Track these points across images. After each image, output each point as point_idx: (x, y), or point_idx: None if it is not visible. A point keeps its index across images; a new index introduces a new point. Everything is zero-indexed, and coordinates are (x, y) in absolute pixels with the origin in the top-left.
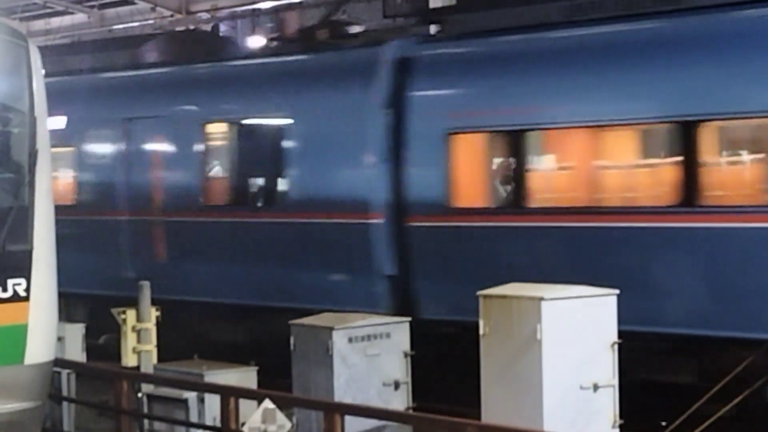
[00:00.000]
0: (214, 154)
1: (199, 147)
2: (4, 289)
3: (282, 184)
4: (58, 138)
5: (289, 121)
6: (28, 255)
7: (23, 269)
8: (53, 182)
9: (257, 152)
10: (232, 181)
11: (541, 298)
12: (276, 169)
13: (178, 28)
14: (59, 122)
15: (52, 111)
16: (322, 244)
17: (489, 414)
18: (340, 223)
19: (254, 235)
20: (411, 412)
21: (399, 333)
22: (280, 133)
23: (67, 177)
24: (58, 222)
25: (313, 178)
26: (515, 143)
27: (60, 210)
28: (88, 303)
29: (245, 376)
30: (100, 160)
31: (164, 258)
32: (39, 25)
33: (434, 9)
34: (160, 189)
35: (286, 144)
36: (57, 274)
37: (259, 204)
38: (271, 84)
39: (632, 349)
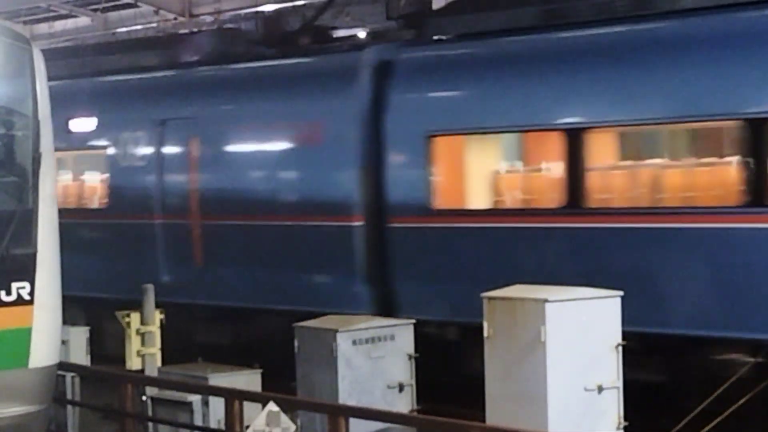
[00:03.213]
0: None
1: None
2: (8, 293)
3: None
4: None
5: None
6: (32, 258)
7: (27, 272)
8: None
9: None
10: None
11: (546, 300)
12: None
13: (181, 32)
14: None
15: None
16: None
17: (493, 416)
18: None
19: None
20: (415, 414)
21: (403, 335)
22: None
23: None
24: None
25: None
26: None
27: None
28: None
29: (249, 379)
30: None
31: None
32: (42, 28)
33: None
34: None
35: None
36: (61, 277)
37: None
38: None
39: None
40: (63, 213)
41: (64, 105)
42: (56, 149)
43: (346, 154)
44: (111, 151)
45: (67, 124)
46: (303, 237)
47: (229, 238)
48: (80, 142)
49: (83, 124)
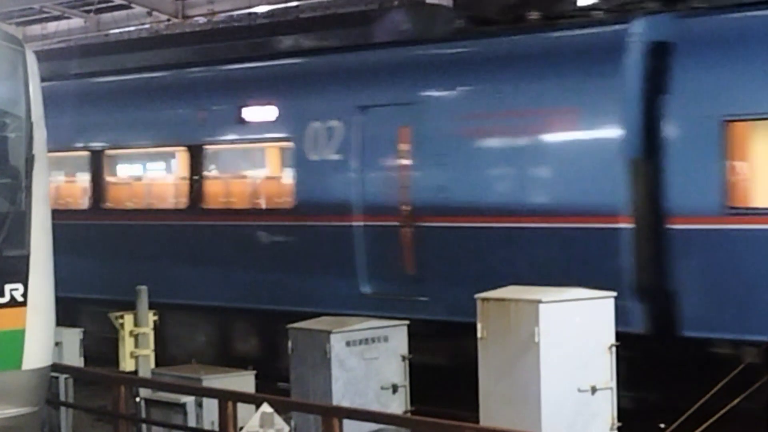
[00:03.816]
0: None
1: None
2: (1, 295)
3: None
4: None
5: None
6: (25, 260)
7: (20, 274)
8: None
9: None
10: None
11: (539, 301)
12: None
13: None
14: None
15: None
16: None
17: (487, 417)
18: None
19: None
20: (409, 415)
21: (397, 336)
22: None
23: None
24: None
25: None
26: None
27: None
28: None
29: (243, 381)
30: None
31: None
32: (35, 29)
33: None
34: None
35: None
36: (54, 279)
37: None
38: None
39: None
40: (236, 214)
41: (235, 91)
42: (227, 141)
43: (609, 145)
44: (297, 143)
45: (239, 112)
46: (550, 241)
47: (450, 242)
48: (257, 133)
49: (261, 113)
